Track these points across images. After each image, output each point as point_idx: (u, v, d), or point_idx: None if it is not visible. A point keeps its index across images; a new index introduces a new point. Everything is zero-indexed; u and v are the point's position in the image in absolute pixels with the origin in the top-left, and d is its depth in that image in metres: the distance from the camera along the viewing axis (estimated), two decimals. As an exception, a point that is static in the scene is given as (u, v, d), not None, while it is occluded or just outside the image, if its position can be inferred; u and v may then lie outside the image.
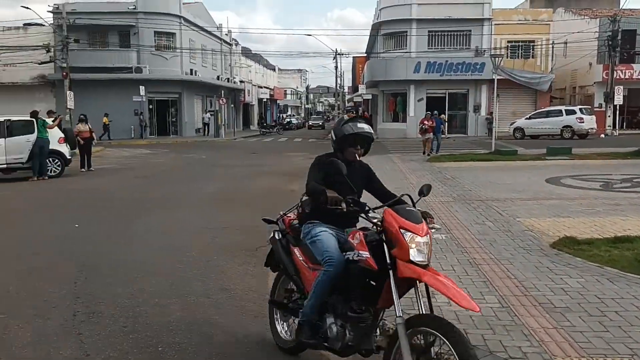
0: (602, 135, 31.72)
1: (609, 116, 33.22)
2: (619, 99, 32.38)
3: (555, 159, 18.23)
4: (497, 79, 21.56)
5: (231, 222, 9.21)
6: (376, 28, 38.06)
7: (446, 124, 29.58)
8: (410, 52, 35.17)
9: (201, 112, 41.26)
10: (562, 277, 5.51)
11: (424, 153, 20.70)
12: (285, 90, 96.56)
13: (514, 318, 4.53)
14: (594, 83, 35.04)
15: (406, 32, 35.30)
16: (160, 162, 21.78)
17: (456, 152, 21.32)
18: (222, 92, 39.71)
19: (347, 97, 60.19)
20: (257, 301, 5.29)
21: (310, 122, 63.78)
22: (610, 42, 32.44)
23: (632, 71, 33.91)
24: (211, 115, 40.83)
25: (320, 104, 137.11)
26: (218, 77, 45.07)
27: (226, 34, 49.65)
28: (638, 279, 5.41)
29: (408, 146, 26.21)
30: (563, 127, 29.72)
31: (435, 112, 22.29)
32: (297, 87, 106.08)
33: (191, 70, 39.31)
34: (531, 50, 35.87)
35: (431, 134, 20.86)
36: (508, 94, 33.91)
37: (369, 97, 38.04)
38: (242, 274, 6.21)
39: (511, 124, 32.10)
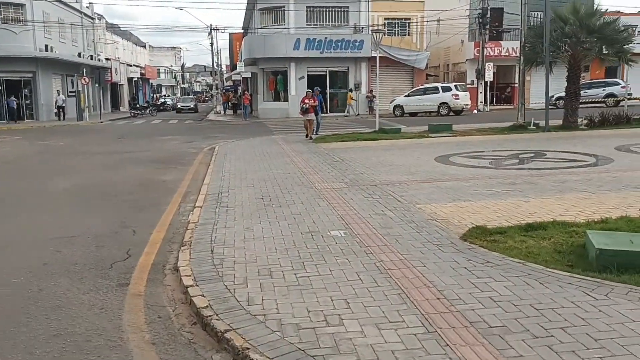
0: (475, 111, 32.89)
1: (481, 92, 34.57)
2: (489, 76, 33.72)
3: (438, 136, 18.10)
4: (376, 58, 21.09)
5: (83, 228, 7.47)
6: (252, 2, 36.33)
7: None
8: (289, 28, 33.95)
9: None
10: (486, 282, 4.64)
11: (307, 137, 18.36)
12: (159, 69, 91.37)
13: (446, 349, 3.52)
14: (466, 60, 36.24)
15: (284, 7, 34.00)
16: (5, 151, 18.73)
17: (341, 132, 20.59)
18: (85, 70, 35.87)
19: (226, 75, 57.74)
20: (103, 353, 3.82)
21: (180, 105, 50.09)
22: (480, 20, 33.54)
23: (500, 48, 35.48)
24: (69, 96, 36.73)
25: (198, 83, 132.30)
26: (79, 54, 40.82)
27: (87, 7, 45.11)
28: (567, 277, 4.68)
29: (291, 126, 25.13)
30: (440, 103, 30.31)
31: (317, 88, 20.83)
32: (171, 66, 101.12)
33: (46, 46, 35.03)
34: (407, 27, 36.24)
35: (313, 114, 18.73)
36: (386, 72, 33.97)
37: (248, 75, 36.39)
38: (87, 309, 4.65)
39: (391, 102, 32.26)
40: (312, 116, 18.67)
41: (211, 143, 19.12)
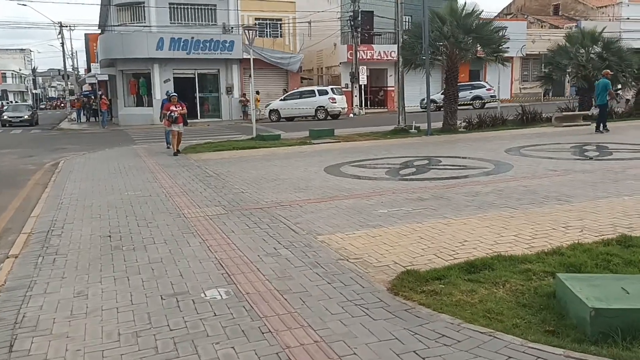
0: (352, 115, 32.25)
1: (356, 96, 34.06)
2: (363, 79, 33.31)
3: (321, 143, 16.67)
4: (248, 59, 19.28)
5: None
6: (108, -3, 32.71)
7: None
8: (150, 27, 30.90)
9: None
10: (455, 379, 3.00)
11: (175, 154, 14.61)
12: (4, 73, 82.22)
13: None
14: (340, 63, 35.64)
15: (143, 3, 30.87)
16: None
17: (214, 140, 18.44)
18: None
19: (81, 79, 52.27)
20: None
21: (7, 115, 35.64)
22: (352, 23, 33.01)
23: (372, 52, 35.31)
24: None
25: (53, 88, 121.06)
26: None
27: None
28: (557, 357, 3.20)
29: (156, 134, 22.40)
30: (317, 107, 29.20)
31: (170, 92, 16.89)
32: (20, 70, 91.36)
33: None
34: (279, 29, 34.80)
35: (182, 124, 14.87)
36: (260, 75, 32.26)
37: (105, 77, 32.67)
38: None
39: (266, 106, 30.62)
40: (180, 127, 14.90)
41: (57, 157, 16.03)
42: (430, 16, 17.90)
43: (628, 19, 40.73)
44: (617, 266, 4.51)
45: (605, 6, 43.45)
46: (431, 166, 11.06)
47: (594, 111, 17.20)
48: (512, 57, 32.93)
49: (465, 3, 18.64)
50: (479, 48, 18.29)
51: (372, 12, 35.45)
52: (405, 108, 33.77)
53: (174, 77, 31.29)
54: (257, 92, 32.32)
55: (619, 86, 21.30)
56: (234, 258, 5.32)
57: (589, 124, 18.55)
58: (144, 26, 30.96)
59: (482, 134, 17.48)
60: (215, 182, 9.97)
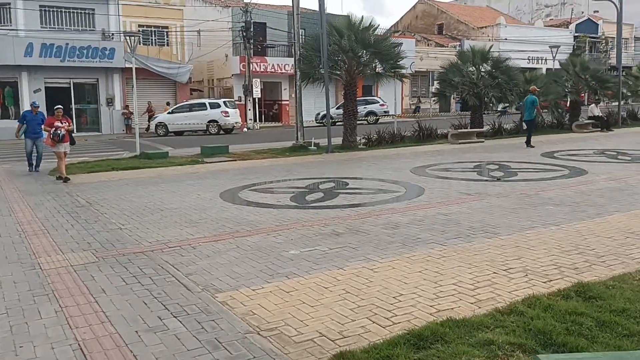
0: (245, 129, 30.89)
1: (250, 109, 32.76)
2: (257, 92, 32.13)
3: (215, 161, 15.26)
4: (131, 68, 17.44)
5: None
6: (-35, -4, 28.79)
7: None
8: (17, 30, 27.57)
9: None
10: None
11: (60, 178, 12.16)
12: None
13: None
14: (232, 75, 34.16)
15: (9, 4, 27.50)
16: None
17: (91, 158, 16.31)
18: None
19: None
20: None
21: None
22: (244, 34, 31.79)
23: (266, 64, 34.22)
24: None
25: None
26: None
27: None
28: None
29: (23, 152, 19.62)
30: (209, 121, 27.53)
31: (34, 102, 14.75)
32: None
33: None
34: (166, 37, 32.70)
35: (68, 143, 12.45)
36: (145, 85, 29.99)
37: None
38: None
39: (152, 118, 28.44)
40: (67, 147, 12.44)
41: None
42: (327, 29, 17.19)
43: (506, 39, 43.26)
44: (590, 330, 3.71)
45: (485, 27, 45.94)
46: (339, 190, 10.12)
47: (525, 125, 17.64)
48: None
49: (362, 17, 18.21)
50: (377, 63, 17.83)
51: (265, 23, 34.46)
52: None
53: (46, 87, 28.13)
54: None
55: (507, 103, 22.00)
56: (102, 338, 3.90)
57: (483, 141, 18.82)
58: (10, 29, 27.56)
59: (382, 151, 16.99)
60: (87, 215, 8.28)
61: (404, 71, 19.03)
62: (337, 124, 32.92)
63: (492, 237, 6.38)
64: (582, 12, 55.59)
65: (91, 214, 8.41)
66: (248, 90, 32.34)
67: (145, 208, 8.75)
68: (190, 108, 28.21)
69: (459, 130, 19.15)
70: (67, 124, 12.55)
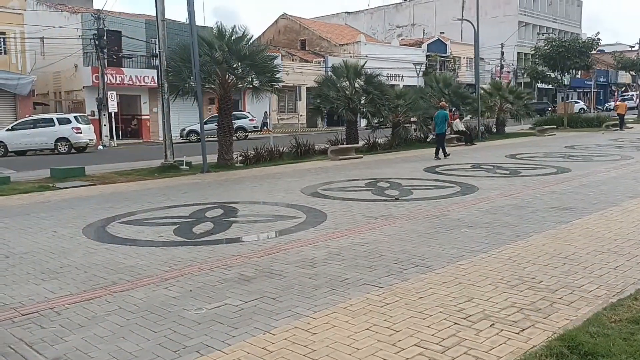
0: (100, 147, 27.96)
1: (105, 125, 29.79)
2: (113, 106, 29.36)
3: (71, 187, 13.07)
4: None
5: None
6: None
7: None
8: None
9: None
10: None
11: None
12: None
13: None
14: (83, 88, 30.91)
15: None
16: None
17: None
18: None
19: None
20: None
21: None
22: (96, 42, 28.92)
23: (123, 75, 31.45)
24: None
25: None
26: None
27: None
28: None
29: None
30: (58, 139, 24.39)
31: None
32: None
33: None
34: (2, 44, 28.71)
35: None
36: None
37: None
38: None
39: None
40: None
41: None
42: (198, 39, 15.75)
43: (367, 56, 44.53)
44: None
45: (347, 44, 47.03)
46: (230, 218, 8.83)
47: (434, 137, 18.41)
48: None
49: (234, 26, 17.06)
50: (254, 76, 16.74)
51: (120, 32, 31.78)
52: (162, 139, 30.86)
53: None
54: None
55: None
56: None
57: (362, 157, 18.56)
58: None
59: (263, 169, 15.90)
60: None
61: (280, 85, 18.18)
62: (197, 140, 31.36)
63: (426, 271, 5.59)
64: (432, 33, 59.63)
65: None
66: (102, 104, 29.45)
67: (-17, 255, 6.77)
68: (35, 124, 24.85)
69: (339, 147, 18.72)
70: None
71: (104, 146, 28.53)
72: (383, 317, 4.39)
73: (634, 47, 68.61)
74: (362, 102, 19.84)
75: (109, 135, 29.90)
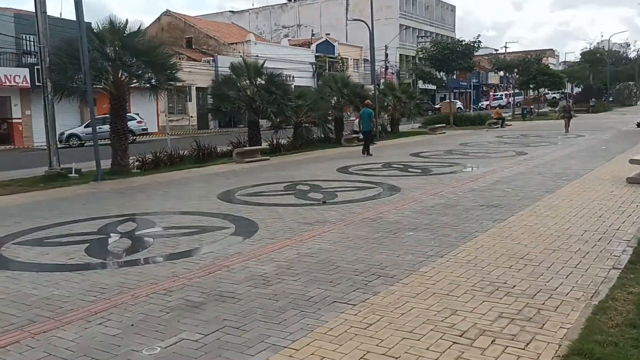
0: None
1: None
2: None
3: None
4: None
5: None
6: None
7: None
8: None
9: None
10: None
11: None
12: None
13: None
14: (-59, 88, 27.17)
15: None
16: None
17: None
18: None
19: None
20: None
21: None
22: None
23: None
24: None
25: None
26: None
27: None
28: None
29: None
30: None
31: None
32: None
33: None
34: None
35: None
36: None
37: None
38: None
39: None
40: None
41: None
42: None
43: (257, 56, 43.80)
44: None
45: (236, 43, 46.00)
46: (148, 231, 7.86)
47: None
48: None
49: (127, 20, 15.64)
50: (151, 74, 15.47)
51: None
52: (38, 144, 28.22)
53: None
54: None
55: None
56: None
57: (269, 159, 17.96)
58: None
59: (165, 175, 14.77)
60: None
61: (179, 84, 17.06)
62: (84, 145, 28.87)
63: (392, 282, 5.19)
64: (318, 34, 60.22)
65: None
66: (-34, 106, 26.04)
67: None
68: None
69: (244, 149, 17.94)
70: None
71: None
72: (373, 341, 3.90)
73: (498, 50, 74.74)
74: (265, 102, 19.16)
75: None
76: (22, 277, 5.80)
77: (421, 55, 36.13)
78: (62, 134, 29.22)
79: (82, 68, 13.86)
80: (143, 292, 5.18)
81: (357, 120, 23.65)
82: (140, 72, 15.18)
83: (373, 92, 26.13)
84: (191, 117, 39.73)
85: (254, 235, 7.34)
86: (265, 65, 20.58)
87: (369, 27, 25.73)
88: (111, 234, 7.78)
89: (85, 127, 30.58)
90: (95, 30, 14.98)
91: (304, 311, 4.53)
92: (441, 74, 35.37)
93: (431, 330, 4.05)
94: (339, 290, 5.01)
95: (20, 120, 30.28)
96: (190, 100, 39.35)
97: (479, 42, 32.94)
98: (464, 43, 33.24)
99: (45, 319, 4.58)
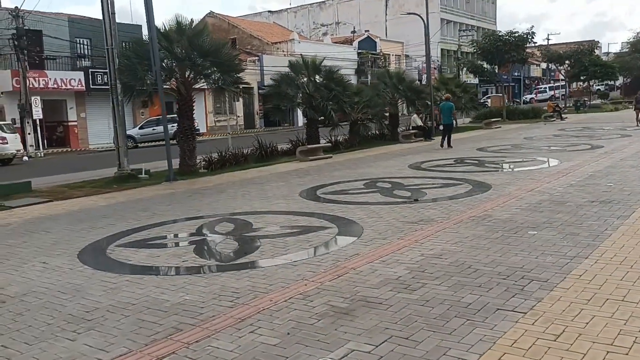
0: (26, 158, 25.17)
1: (30, 133, 26.95)
2: (38, 113, 26.61)
3: (21, 205, 11.22)
4: None
5: None
6: None
7: None
8: None
9: None
10: None
11: None
12: None
13: None
14: (2, 93, 27.83)
15: None
16: None
17: None
18: None
19: None
20: None
21: None
22: (16, 43, 26.09)
23: (46, 79, 28.61)
24: None
25: None
26: None
27: None
28: None
29: None
30: (-20, 151, 21.66)
31: None
32: None
33: None
34: None
35: None
36: None
37: None
38: None
39: None
40: None
41: None
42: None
43: (301, 54, 43.62)
44: None
45: (280, 42, 45.94)
46: (250, 233, 7.60)
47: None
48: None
49: (192, 20, 15.55)
50: (219, 75, 15.30)
51: (41, 31, 28.96)
52: (93, 146, 28.64)
53: None
54: None
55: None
56: None
57: (331, 157, 17.64)
58: None
59: (235, 174, 14.61)
60: None
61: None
62: (139, 146, 29.13)
63: (551, 287, 4.75)
64: (360, 31, 59.67)
65: None
66: (25, 110, 26.64)
67: (-34, 302, 5.21)
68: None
69: (308, 147, 17.68)
70: None
71: (29, 157, 25.73)
72: (575, 355, 3.50)
73: (536, 42, 72.66)
74: (324, 99, 18.86)
75: (34, 144, 27.09)
76: (144, 282, 5.60)
77: (471, 49, 35.23)
78: (117, 135, 29.60)
79: (153, 68, 13.80)
80: (279, 296, 4.90)
81: (414, 116, 23.18)
82: (207, 72, 15.01)
83: (427, 86, 25.53)
84: (238, 116, 39.82)
85: (362, 235, 7.01)
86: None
87: (423, 21, 25.16)
88: (213, 235, 7.56)
89: (140, 128, 30.97)
90: (162, 31, 14.89)
91: (470, 320, 4.15)
92: (493, 67, 34.44)
93: (634, 342, 3.63)
94: (495, 296, 4.62)
95: (75, 123, 30.83)
96: (238, 100, 39.41)
97: (533, 33, 31.96)
98: (516, 34, 32.26)
99: (190, 327, 4.34)
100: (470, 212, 8.03)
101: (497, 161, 14.25)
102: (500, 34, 33.57)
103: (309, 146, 17.77)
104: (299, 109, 27.34)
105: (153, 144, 28.09)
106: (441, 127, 19.46)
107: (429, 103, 24.70)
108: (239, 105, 40.12)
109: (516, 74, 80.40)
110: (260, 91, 39.88)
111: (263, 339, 4.03)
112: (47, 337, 4.28)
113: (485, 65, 34.46)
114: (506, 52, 31.84)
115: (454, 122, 20.81)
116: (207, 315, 4.55)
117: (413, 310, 4.40)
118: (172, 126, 30.14)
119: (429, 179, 11.84)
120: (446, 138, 18.67)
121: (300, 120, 43.14)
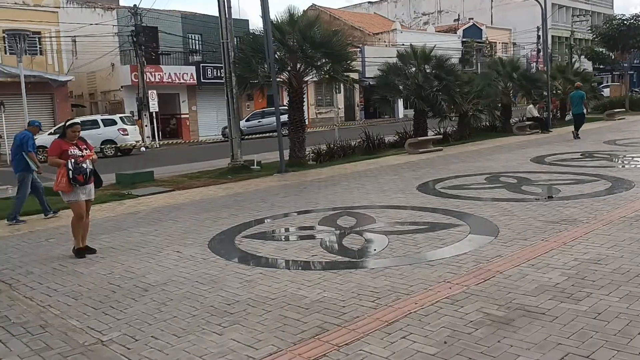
0: (143, 149, 26.67)
1: (146, 125, 28.54)
2: (154, 106, 28.08)
3: (148, 194, 11.73)
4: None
5: None
6: None
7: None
8: None
9: None
10: None
11: (83, 252, 6.78)
12: None
13: None
14: (122, 87, 29.70)
15: None
16: None
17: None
18: None
19: None
20: None
21: None
22: (134, 39, 27.65)
23: (161, 73, 30.15)
24: None
25: None
26: None
27: None
28: None
29: None
30: (103, 142, 23.20)
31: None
32: None
33: None
34: (38, 44, 27.53)
35: (92, 184, 6.99)
36: (15, 102, 24.83)
37: None
38: None
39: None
40: (92, 192, 7.12)
41: None
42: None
43: (403, 44, 42.81)
44: None
45: (382, 32, 45.36)
46: (374, 227, 7.34)
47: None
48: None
49: (304, 11, 15.55)
50: (330, 65, 15.19)
51: (157, 28, 30.51)
52: (203, 138, 29.61)
53: None
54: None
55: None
56: None
57: (442, 149, 16.99)
58: None
59: (344, 167, 14.44)
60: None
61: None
62: (245, 138, 29.91)
63: None
64: (464, 19, 57.57)
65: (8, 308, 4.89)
66: (143, 103, 28.21)
67: (107, 288, 5.38)
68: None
69: (418, 139, 17.16)
70: (89, 150, 6.94)
71: (146, 148, 27.26)
72: None
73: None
74: (435, 89, 18.18)
75: (150, 136, 28.65)
76: (278, 275, 5.49)
77: (590, 36, 32.70)
78: (225, 127, 30.62)
79: (267, 61, 13.91)
80: (424, 299, 4.57)
81: (530, 106, 21.83)
82: (319, 63, 14.94)
83: (545, 74, 23.95)
84: (339, 108, 39.88)
85: (499, 235, 6.50)
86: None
87: (540, 5, 23.56)
88: (337, 229, 7.37)
89: (246, 121, 31.77)
90: (274, 23, 14.99)
91: None
92: (614, 53, 31.78)
93: None
94: (683, 311, 4.01)
95: (187, 116, 32.25)
96: (339, 92, 39.43)
97: (663, 16, 29.04)
98: (643, 17, 29.50)
99: (335, 327, 4.13)
100: (618, 212, 7.24)
101: (632, 155, 12.98)
102: (624, 17, 30.84)
103: (419, 138, 17.21)
104: (399, 100, 26.73)
105: (259, 136, 28.70)
106: (566, 118, 18.72)
107: (545, 93, 23.15)
108: (340, 97, 40.17)
109: (636, 62, 74.14)
110: (363, 83, 39.62)
111: (418, 346, 3.73)
112: (194, 330, 4.25)
113: (605, 52, 31.85)
114: (631, 37, 29.19)
115: (585, 110, 19.41)
116: (351, 316, 4.33)
117: (585, 323, 3.91)
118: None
119: (557, 174, 10.96)
120: (577, 128, 18.00)
121: (401, 111, 42.49)
